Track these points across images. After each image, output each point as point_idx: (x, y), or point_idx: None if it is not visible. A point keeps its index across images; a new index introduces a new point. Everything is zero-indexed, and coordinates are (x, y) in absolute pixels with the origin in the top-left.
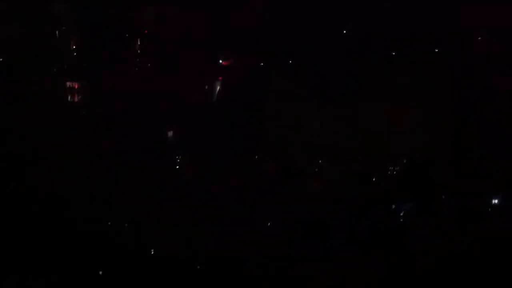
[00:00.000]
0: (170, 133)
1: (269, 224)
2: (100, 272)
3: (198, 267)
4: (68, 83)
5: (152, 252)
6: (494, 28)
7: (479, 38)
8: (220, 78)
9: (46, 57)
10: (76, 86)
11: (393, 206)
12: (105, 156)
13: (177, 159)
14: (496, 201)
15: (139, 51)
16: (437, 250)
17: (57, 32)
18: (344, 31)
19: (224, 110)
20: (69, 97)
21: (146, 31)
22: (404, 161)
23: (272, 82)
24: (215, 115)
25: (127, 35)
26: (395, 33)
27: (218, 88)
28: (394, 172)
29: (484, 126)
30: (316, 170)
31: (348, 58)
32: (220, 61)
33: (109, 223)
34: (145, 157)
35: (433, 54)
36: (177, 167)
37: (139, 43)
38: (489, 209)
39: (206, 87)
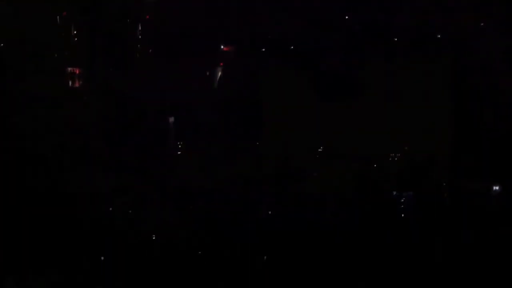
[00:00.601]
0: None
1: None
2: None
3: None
4: (69, 69)
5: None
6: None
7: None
8: (221, 67)
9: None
10: (78, 72)
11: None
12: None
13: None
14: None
15: (140, 37)
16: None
17: (58, 18)
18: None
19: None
20: (70, 83)
21: (147, 16)
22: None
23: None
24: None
25: (128, 20)
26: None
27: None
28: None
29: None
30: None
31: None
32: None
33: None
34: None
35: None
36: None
37: (140, 28)
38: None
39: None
